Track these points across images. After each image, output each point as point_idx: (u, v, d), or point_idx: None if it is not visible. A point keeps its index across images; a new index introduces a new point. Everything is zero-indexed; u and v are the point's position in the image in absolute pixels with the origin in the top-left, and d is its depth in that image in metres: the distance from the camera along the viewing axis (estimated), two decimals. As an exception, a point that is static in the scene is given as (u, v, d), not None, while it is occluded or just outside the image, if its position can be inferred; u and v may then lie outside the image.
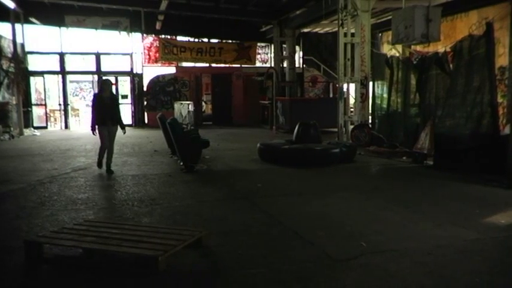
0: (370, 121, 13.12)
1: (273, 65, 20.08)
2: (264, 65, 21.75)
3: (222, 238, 5.13)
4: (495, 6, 12.24)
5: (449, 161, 8.85)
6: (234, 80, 21.17)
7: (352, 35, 12.60)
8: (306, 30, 20.06)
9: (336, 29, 12.67)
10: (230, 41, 21.55)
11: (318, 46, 21.30)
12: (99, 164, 9.40)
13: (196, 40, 21.36)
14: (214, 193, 7.51)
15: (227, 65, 21.39)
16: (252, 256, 4.58)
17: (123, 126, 9.39)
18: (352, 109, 14.65)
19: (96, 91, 9.03)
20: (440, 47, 10.28)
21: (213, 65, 21.41)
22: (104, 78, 9.20)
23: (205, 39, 21.48)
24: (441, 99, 9.61)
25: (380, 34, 19.07)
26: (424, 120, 9.96)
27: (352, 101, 14.73)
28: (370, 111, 13.21)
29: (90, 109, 9.94)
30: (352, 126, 12.80)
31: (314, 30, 20.69)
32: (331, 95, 20.53)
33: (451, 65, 9.37)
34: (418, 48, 14.00)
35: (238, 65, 21.45)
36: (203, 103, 22.49)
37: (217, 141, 13.69)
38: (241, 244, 4.93)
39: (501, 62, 12.39)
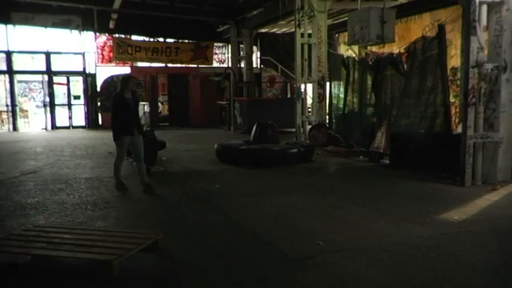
0: (327, 121, 13.26)
1: (230, 65, 19.97)
2: (222, 65, 21.59)
3: (179, 240, 5.05)
4: (447, 9, 12.63)
5: (405, 160, 9.03)
6: (191, 81, 20.91)
7: (309, 35, 12.67)
8: (263, 30, 20.07)
9: (293, 29, 12.71)
10: (187, 41, 21.29)
11: (275, 46, 21.36)
12: (120, 185, 7.61)
13: (152, 40, 20.97)
14: (171, 195, 7.36)
15: (184, 65, 21.11)
16: (210, 258, 4.54)
17: (141, 131, 7.68)
18: (309, 109, 14.76)
19: (118, 90, 7.67)
20: (395, 48, 10.51)
21: (170, 65, 21.08)
22: (124, 74, 7.94)
23: (161, 39, 21.12)
24: (396, 99, 9.81)
25: (337, 35, 19.35)
26: (380, 119, 10.13)
27: (309, 101, 14.85)
28: (327, 111, 13.35)
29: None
30: (309, 126, 12.88)
31: (271, 31, 20.73)
32: (289, 95, 20.64)
33: (405, 66, 9.58)
34: (374, 49, 14.29)
35: (195, 65, 21.22)
36: (159, 104, 22.12)
37: (174, 142, 13.48)
38: (199, 246, 4.88)
39: (453, 63, 12.81)
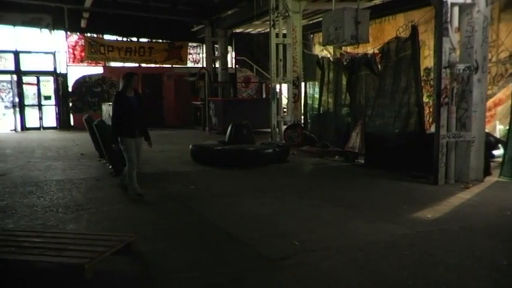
0: (302, 121, 13.29)
1: (205, 66, 19.87)
2: (196, 66, 21.46)
3: (154, 242, 4.98)
4: (420, 10, 12.84)
5: (380, 159, 9.11)
6: (165, 81, 20.70)
7: (284, 35, 12.69)
8: (238, 30, 20.04)
9: (268, 29, 12.70)
10: (160, 41, 21.09)
11: (250, 46, 21.36)
12: (135, 190, 6.95)
13: (125, 39, 20.69)
14: (145, 196, 7.21)
15: (158, 65, 20.90)
16: (185, 259, 4.50)
17: (148, 137, 7.14)
18: (285, 109, 14.78)
19: (120, 89, 6.98)
20: (370, 49, 10.61)
21: (143, 65, 20.84)
22: (128, 72, 7.11)
23: (134, 39, 20.87)
24: (371, 99, 9.90)
25: (312, 35, 19.46)
26: (354, 119, 10.20)
27: (284, 101, 14.87)
28: (302, 112, 13.39)
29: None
30: (285, 127, 12.89)
31: (246, 31, 20.72)
32: (264, 96, 20.63)
33: (379, 66, 9.67)
34: (349, 49, 14.42)
35: (170, 65, 21.04)
36: (133, 104, 21.76)
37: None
38: (174, 248, 4.82)
39: (426, 64, 13.04)
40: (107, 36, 20.41)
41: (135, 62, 20.72)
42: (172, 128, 18.91)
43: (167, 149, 12.53)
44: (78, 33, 19.77)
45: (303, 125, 13.00)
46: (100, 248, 4.24)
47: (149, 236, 5.15)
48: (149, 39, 20.99)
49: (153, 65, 20.89)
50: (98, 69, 20.43)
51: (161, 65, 20.94)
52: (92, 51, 19.74)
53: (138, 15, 18.58)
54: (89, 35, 19.91)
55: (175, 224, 5.72)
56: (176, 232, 5.40)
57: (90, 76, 19.97)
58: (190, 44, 21.72)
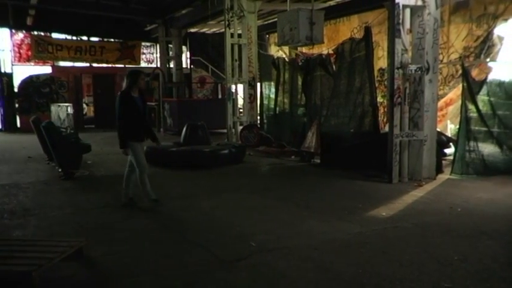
0: (258, 122, 13.27)
1: (159, 66, 19.54)
2: (150, 66, 21.10)
3: (106, 247, 4.86)
4: (374, 12, 13.11)
5: (335, 159, 9.20)
6: (118, 81, 20.13)
7: (239, 36, 12.63)
8: (192, 30, 19.82)
9: (223, 29, 12.60)
10: (112, 40, 20.65)
11: (205, 46, 21.18)
12: (149, 196, 6.45)
13: (75, 38, 20.10)
14: (97, 200, 7.02)
15: (110, 65, 20.39)
16: (139, 263, 4.42)
17: (155, 138, 6.65)
18: (241, 110, 14.73)
19: (123, 88, 6.37)
20: (324, 49, 10.70)
21: (95, 64, 20.30)
22: (133, 70, 6.39)
23: (85, 38, 20.31)
24: (326, 100, 10.00)
25: (267, 35, 19.52)
26: (310, 119, 10.27)
27: (240, 101, 14.81)
28: (258, 112, 13.37)
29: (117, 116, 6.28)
30: (241, 127, 12.83)
31: (201, 31, 20.53)
32: (219, 96, 20.48)
33: (334, 67, 9.77)
34: (304, 49, 14.51)
35: (122, 65, 20.56)
36: (84, 105, 21.16)
37: (100, 145, 12.96)
38: (127, 252, 4.73)
39: (380, 64, 13.32)
40: (55, 35, 19.78)
41: (86, 62, 20.19)
42: (125, 130, 18.42)
43: (121, 151, 12.15)
44: (23, 31, 19.03)
45: (259, 126, 12.98)
46: (49, 255, 4.11)
47: (101, 241, 5.02)
48: (100, 39, 20.49)
49: (104, 65, 20.38)
50: (46, 69, 19.70)
51: (113, 65, 20.47)
52: (39, 50, 19.04)
53: (89, 13, 17.98)
54: (35, 33, 19.19)
55: (129, 228, 5.58)
56: (129, 236, 5.28)
57: (37, 76, 19.18)
58: (143, 43, 21.38)
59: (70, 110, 17.53)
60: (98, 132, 17.20)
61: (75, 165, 8.83)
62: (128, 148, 6.23)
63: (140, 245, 4.96)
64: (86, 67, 20.41)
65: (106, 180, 8.69)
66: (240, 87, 13.71)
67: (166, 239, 5.17)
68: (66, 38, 19.91)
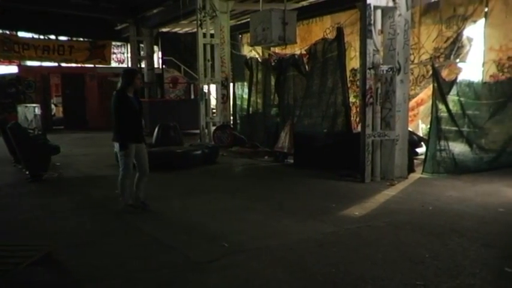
0: (232, 122, 13.22)
1: (130, 66, 19.25)
2: (121, 66, 20.85)
3: (75, 250, 4.76)
4: (346, 12, 13.22)
5: (309, 159, 9.22)
6: (87, 81, 19.81)
7: (212, 36, 12.55)
8: (164, 29, 19.61)
9: (196, 29, 12.50)
10: (82, 39, 20.32)
11: (177, 46, 20.99)
12: (137, 201, 6.22)
13: (42, 37, 19.65)
14: (66, 203, 6.85)
15: (79, 65, 20.02)
16: (109, 266, 4.34)
17: (144, 141, 6.40)
18: (213, 110, 14.64)
19: (118, 87, 6.16)
20: (297, 49, 10.73)
21: (63, 64, 19.88)
22: (129, 69, 5.90)
23: (53, 37, 19.92)
24: (299, 100, 10.03)
25: (240, 36, 19.47)
26: (283, 120, 10.28)
27: (213, 102, 14.72)
28: (231, 112, 13.31)
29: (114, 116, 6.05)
30: (214, 128, 12.76)
31: (173, 30, 20.32)
32: (192, 96, 20.33)
33: (307, 67, 9.80)
34: (277, 50, 14.53)
35: (92, 65, 20.24)
36: (53, 106, 20.68)
37: (69, 146, 12.71)
38: (97, 255, 4.65)
39: (353, 65, 13.44)
40: (21, 33, 19.37)
41: (54, 61, 19.83)
42: (96, 131, 18.05)
43: (91, 153, 12.02)
44: (-12, 30, 18.51)
45: (232, 126, 12.93)
46: (15, 260, 4.03)
47: (71, 244, 4.91)
48: (69, 38, 20.19)
49: (74, 65, 20.03)
50: (12, 69, 19.18)
51: (83, 65, 20.16)
52: (4, 49, 18.61)
53: (57, 11, 17.56)
54: (0, 31, 18.67)
55: (99, 230, 5.49)
56: (100, 238, 5.18)
57: (3, 76, 18.66)
58: (114, 43, 21.16)
59: (38, 111, 17.15)
60: (67, 134, 16.88)
61: (43, 167, 8.61)
62: (128, 149, 5.99)
63: (110, 247, 4.87)
64: (54, 67, 19.99)
65: (76, 182, 8.51)
66: (213, 87, 13.63)
67: (137, 241, 5.09)
68: (33, 37, 19.54)
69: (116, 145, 6.06)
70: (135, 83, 6.10)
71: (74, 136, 16.18)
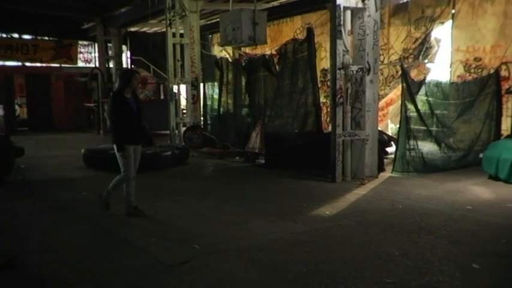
0: (202, 122, 13.11)
1: (97, 65, 18.89)
2: (88, 65, 20.40)
3: (42, 256, 4.63)
4: (317, 13, 13.31)
5: (279, 159, 9.21)
6: (53, 81, 19.33)
7: (182, 35, 12.43)
8: (133, 29, 19.32)
9: (165, 29, 12.35)
10: (47, 38, 19.80)
11: (146, 46, 20.69)
12: (135, 210, 6.03)
13: (4, 35, 19.05)
14: (31, 206, 6.66)
15: (44, 65, 19.50)
16: (78, 271, 4.26)
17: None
18: (184, 111, 14.49)
19: (115, 88, 6.04)
20: (268, 50, 10.71)
21: (28, 64, 19.31)
22: (127, 69, 5.65)
23: (16, 35, 19.35)
24: (270, 100, 10.01)
25: (210, 35, 19.36)
26: (254, 120, 10.25)
27: (183, 102, 14.58)
28: (202, 113, 13.21)
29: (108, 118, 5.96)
30: (184, 128, 12.62)
31: (142, 30, 20.04)
32: (162, 97, 20.09)
33: (277, 67, 9.79)
34: (247, 50, 14.49)
35: (58, 65, 19.76)
36: (17, 106, 20.07)
37: (35, 148, 12.41)
38: (65, 260, 4.54)
39: (323, 65, 13.54)
40: (-18, 32, 18.69)
41: (18, 61, 19.30)
42: (63, 132, 17.67)
43: (58, 155, 11.76)
44: None
45: (202, 127, 12.83)
46: None
47: (37, 249, 4.79)
48: (34, 36, 19.65)
49: (38, 64, 19.52)
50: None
51: (48, 65, 19.65)
52: (-36, 48, 17.91)
53: (20, 9, 17.04)
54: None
55: (67, 234, 5.35)
56: (68, 243, 5.05)
57: (-36, 76, 18.01)
58: (80, 42, 20.72)
59: (0, 112, 16.63)
60: (32, 135, 16.44)
61: (6, 170, 8.33)
62: (126, 151, 5.85)
63: (79, 251, 4.76)
64: (18, 66, 19.45)
65: (42, 184, 8.30)
66: (183, 87, 13.49)
67: (106, 244, 4.99)
68: (-6, 36, 18.93)
69: (114, 147, 5.92)
70: (133, 84, 5.95)
71: (39, 138, 15.76)
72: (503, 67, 10.08)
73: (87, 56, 21.21)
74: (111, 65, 18.90)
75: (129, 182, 6.00)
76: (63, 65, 19.90)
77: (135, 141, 5.96)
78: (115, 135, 5.86)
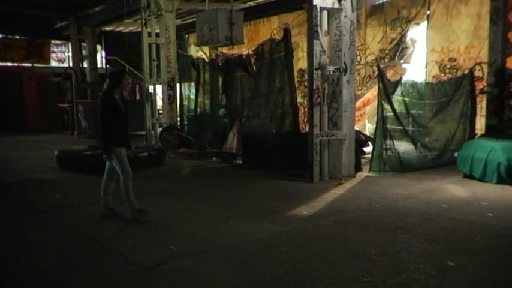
0: (179, 123, 13.00)
1: (71, 65, 18.55)
2: (62, 65, 20.04)
3: (14, 261, 4.52)
4: (293, 13, 13.34)
5: (257, 159, 9.19)
6: (25, 81, 18.89)
7: (157, 35, 12.29)
8: (108, 28, 19.02)
9: (140, 28, 12.20)
10: (18, 37, 19.36)
11: (122, 46, 20.39)
12: (133, 206, 5.83)
13: (-26, 34, 18.59)
14: (4, 209, 6.50)
15: (16, 64, 19.06)
16: (53, 276, 4.18)
17: (129, 146, 5.99)
18: (160, 111, 14.33)
19: (104, 88, 5.81)
20: (245, 50, 10.67)
21: (-2, 63, 18.88)
22: (116, 70, 5.42)
23: (-15, 34, 18.84)
24: (247, 100, 9.98)
25: (187, 35, 19.23)
26: (231, 120, 10.19)
27: (160, 102, 14.42)
28: (178, 113, 13.10)
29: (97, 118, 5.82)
30: (160, 129, 12.48)
31: (117, 29, 19.77)
32: (138, 97, 19.84)
33: (254, 67, 9.76)
34: (224, 50, 14.42)
35: (30, 65, 19.34)
36: (-13, 107, 19.57)
37: (6, 150, 12.14)
38: (39, 264, 4.45)
39: (301, 65, 13.56)
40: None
41: (-12, 60, 18.79)
42: (36, 133, 17.25)
43: (30, 156, 11.46)
44: None
45: (179, 127, 12.71)
46: None
47: (8, 255, 4.67)
48: (4, 35, 19.23)
49: (9, 64, 19.11)
50: None
51: (20, 64, 19.26)
52: None
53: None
54: None
55: (41, 238, 5.23)
56: (41, 247, 4.95)
57: None
58: (53, 41, 20.37)
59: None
60: (2, 137, 15.95)
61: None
62: (111, 153, 5.70)
63: (53, 256, 4.67)
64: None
65: (13, 187, 8.14)
66: (159, 87, 13.34)
67: (81, 248, 4.91)
68: (-37, 34, 18.46)
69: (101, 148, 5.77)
70: (123, 85, 5.82)
71: (9, 139, 15.37)
72: (477, 67, 10.26)
73: (61, 56, 20.82)
74: (85, 65, 18.57)
75: (130, 180, 5.84)
76: (35, 65, 19.55)
77: (123, 142, 5.85)
78: (102, 136, 5.75)
